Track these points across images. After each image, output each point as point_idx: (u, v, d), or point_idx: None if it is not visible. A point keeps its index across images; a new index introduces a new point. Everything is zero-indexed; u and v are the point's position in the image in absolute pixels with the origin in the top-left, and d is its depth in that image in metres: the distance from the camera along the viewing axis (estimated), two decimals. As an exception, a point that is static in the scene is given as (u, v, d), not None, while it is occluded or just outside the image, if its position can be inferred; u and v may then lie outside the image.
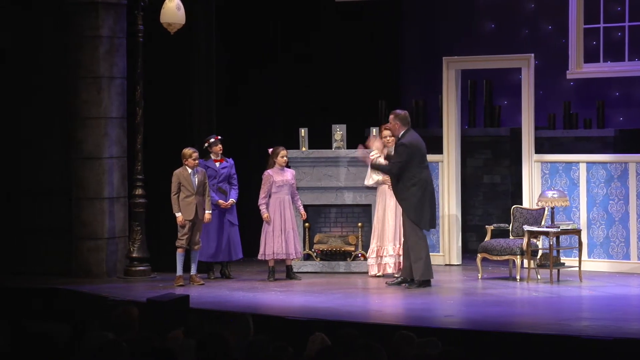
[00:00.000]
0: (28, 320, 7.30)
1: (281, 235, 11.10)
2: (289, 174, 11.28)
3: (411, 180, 10.47)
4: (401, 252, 10.99)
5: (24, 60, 11.84)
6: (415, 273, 10.47)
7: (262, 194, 11.17)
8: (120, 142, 11.69)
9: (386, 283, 10.74)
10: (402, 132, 10.63)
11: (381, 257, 11.17)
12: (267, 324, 8.48)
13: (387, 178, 11.07)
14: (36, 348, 5.54)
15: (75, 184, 11.61)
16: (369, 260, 11.29)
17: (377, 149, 11.16)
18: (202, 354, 5.66)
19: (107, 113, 11.58)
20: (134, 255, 11.41)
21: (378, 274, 11.16)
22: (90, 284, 10.97)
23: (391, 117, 10.75)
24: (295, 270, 11.47)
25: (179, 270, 10.85)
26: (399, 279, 10.65)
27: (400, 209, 10.90)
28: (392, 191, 11.01)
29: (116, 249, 11.61)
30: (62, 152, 11.71)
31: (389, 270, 11.13)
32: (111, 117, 11.61)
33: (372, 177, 11.26)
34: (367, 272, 11.42)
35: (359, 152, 11.27)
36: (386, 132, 11.16)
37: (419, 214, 10.45)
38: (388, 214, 11.17)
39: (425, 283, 10.45)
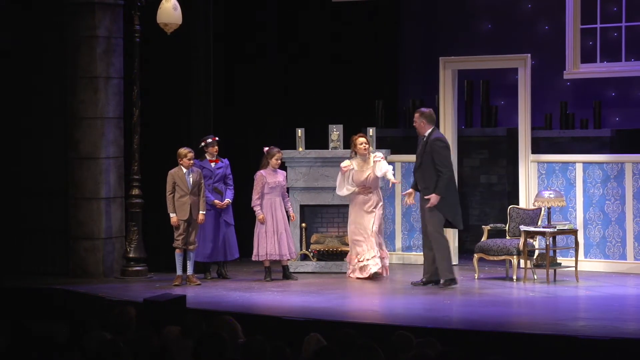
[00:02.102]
0: (26, 320, 7.30)
1: (274, 236, 11.11)
2: (281, 175, 11.29)
3: (451, 180, 10.53)
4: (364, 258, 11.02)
5: (23, 61, 11.83)
6: (441, 273, 10.46)
7: (255, 195, 11.17)
8: (117, 142, 11.69)
9: (412, 283, 10.67)
10: (428, 131, 10.55)
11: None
12: (264, 324, 8.48)
13: (361, 188, 11.05)
14: (35, 348, 5.54)
15: (72, 184, 11.60)
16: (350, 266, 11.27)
17: (348, 162, 11.18)
18: (199, 353, 5.66)
19: (104, 113, 11.57)
20: (130, 255, 11.40)
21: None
22: (87, 284, 10.96)
23: (417, 115, 10.64)
24: (292, 270, 11.48)
25: (179, 270, 10.87)
26: (423, 280, 10.58)
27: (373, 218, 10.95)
28: (365, 198, 10.98)
29: (113, 249, 11.60)
30: (60, 152, 11.70)
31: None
32: (108, 117, 11.60)
33: (347, 187, 11.17)
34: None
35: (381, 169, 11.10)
36: (361, 140, 11.15)
37: (455, 213, 10.52)
38: (364, 221, 11.09)
39: (452, 281, 10.46)
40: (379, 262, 11.08)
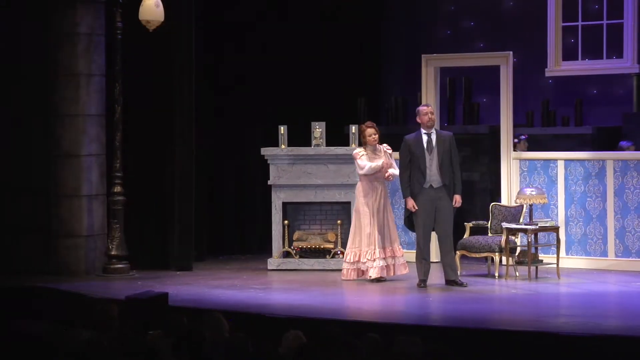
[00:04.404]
0: (9, 319, 7.27)
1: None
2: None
3: None
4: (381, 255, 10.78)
5: (4, 58, 11.76)
6: (456, 274, 10.44)
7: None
8: (99, 140, 11.65)
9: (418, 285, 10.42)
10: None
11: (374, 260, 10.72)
12: (246, 321, 8.48)
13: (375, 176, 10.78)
14: (18, 346, 5.53)
15: (54, 182, 11.56)
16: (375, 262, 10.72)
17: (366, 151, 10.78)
18: (180, 351, 5.66)
19: (85, 110, 11.53)
20: (112, 253, 11.37)
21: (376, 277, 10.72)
22: (69, 282, 10.92)
23: (431, 109, 10.59)
24: (274, 267, 11.47)
25: None
26: (424, 281, 10.42)
27: (387, 211, 10.80)
28: (379, 188, 10.76)
29: (95, 247, 11.57)
30: (41, 150, 11.65)
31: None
32: (90, 114, 11.56)
33: (372, 164, 10.70)
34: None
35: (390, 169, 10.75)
36: (370, 131, 10.82)
37: None
38: (383, 214, 10.78)
39: None
40: (381, 263, 10.69)
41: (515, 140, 12.45)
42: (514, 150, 12.18)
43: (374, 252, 10.72)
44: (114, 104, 11.40)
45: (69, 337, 5.99)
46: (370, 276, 10.71)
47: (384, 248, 10.76)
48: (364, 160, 10.77)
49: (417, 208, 10.38)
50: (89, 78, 11.54)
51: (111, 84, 11.48)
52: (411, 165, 10.44)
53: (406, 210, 10.54)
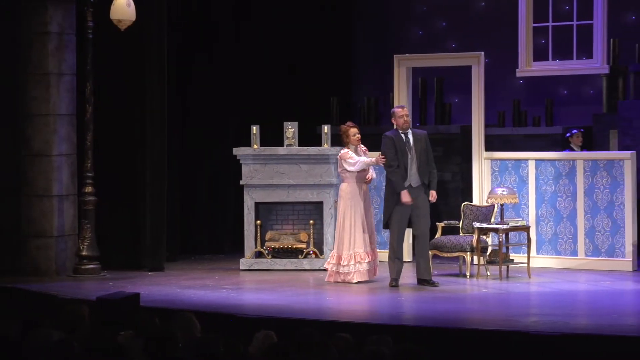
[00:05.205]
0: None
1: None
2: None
3: None
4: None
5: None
6: (429, 273, 10.45)
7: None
8: (69, 139, 11.59)
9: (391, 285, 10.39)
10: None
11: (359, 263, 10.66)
12: (218, 322, 8.47)
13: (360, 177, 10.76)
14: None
15: (24, 182, 11.49)
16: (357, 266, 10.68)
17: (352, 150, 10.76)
18: (150, 351, 5.65)
19: (56, 110, 11.47)
20: (83, 253, 11.32)
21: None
22: (39, 282, 10.86)
23: (407, 110, 10.64)
24: (246, 268, 11.44)
25: None
26: (397, 280, 10.40)
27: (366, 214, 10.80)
28: (363, 189, 10.75)
29: (65, 247, 11.51)
30: (11, 149, 11.58)
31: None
32: (60, 114, 11.50)
33: (363, 160, 10.69)
34: (318, 269, 11.44)
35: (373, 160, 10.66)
36: (354, 130, 10.76)
37: None
38: (366, 215, 10.75)
39: None
40: (366, 267, 10.69)
41: (568, 134, 12.57)
42: (568, 145, 12.35)
43: (360, 256, 10.68)
44: (85, 103, 11.35)
45: (38, 337, 5.96)
46: (352, 280, 10.66)
47: (368, 250, 10.73)
48: (355, 157, 10.75)
49: (411, 201, 10.35)
50: (59, 77, 11.49)
51: (82, 84, 11.42)
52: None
53: (386, 211, 10.50)
